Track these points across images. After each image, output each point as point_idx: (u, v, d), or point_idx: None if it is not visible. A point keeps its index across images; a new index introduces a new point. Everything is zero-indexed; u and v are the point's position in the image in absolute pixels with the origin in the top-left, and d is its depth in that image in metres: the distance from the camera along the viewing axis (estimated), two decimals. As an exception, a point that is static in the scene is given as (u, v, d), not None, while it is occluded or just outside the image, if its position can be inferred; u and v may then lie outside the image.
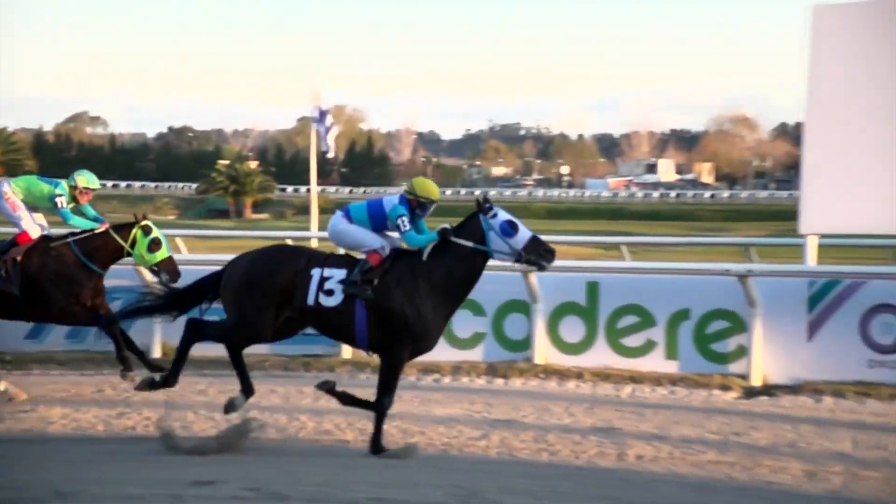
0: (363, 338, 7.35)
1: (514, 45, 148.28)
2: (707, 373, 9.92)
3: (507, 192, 77.70)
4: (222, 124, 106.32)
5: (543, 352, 10.50)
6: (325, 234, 9.21)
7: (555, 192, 79.13)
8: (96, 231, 9.09)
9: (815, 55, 10.55)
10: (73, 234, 9.15)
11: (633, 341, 10.35)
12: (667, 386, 9.75)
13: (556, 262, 9.90)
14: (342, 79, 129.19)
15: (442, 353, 10.57)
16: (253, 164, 73.96)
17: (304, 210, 24.85)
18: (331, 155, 19.96)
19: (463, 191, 78.66)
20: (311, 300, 7.25)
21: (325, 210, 18.12)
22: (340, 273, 7.30)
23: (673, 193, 72.89)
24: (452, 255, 7.28)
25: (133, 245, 8.96)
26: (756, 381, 9.74)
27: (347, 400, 7.40)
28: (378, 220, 7.48)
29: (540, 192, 78.62)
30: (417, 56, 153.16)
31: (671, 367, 10.16)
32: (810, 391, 9.40)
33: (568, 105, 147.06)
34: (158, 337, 10.61)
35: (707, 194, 73.45)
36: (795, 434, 7.89)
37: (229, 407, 7.50)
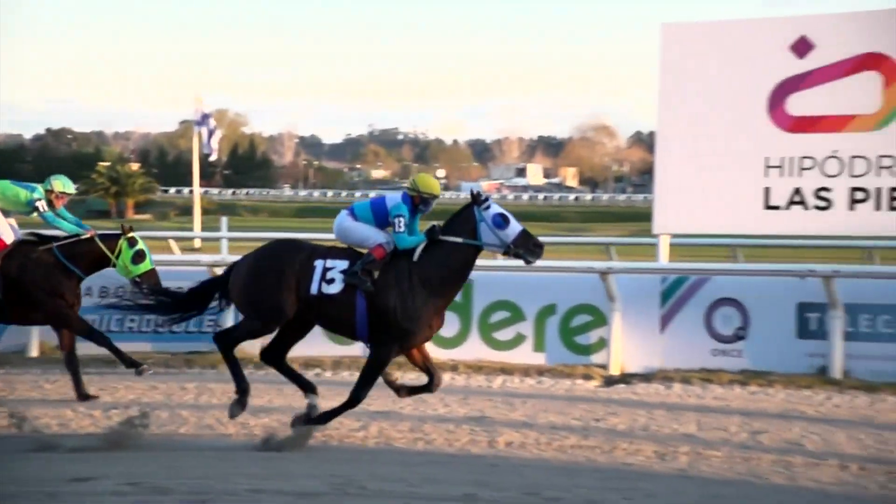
0: (363, 330, 7.23)
1: (392, 52, 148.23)
2: (571, 363, 10.12)
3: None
4: (103, 126, 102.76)
5: (420, 346, 10.54)
6: (208, 234, 9.05)
7: (431, 195, 79.33)
8: (82, 237, 8.84)
9: (665, 69, 10.82)
10: (56, 238, 8.87)
11: (504, 335, 10.50)
12: (535, 376, 9.91)
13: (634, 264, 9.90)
14: (225, 83, 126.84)
15: (323, 347, 10.55)
16: (135, 166, 71.81)
17: (186, 211, 24.28)
18: (213, 158, 19.61)
19: (344, 193, 78.27)
20: (314, 289, 7.14)
21: (208, 211, 17.84)
22: (343, 264, 7.20)
23: (541, 196, 74.00)
24: (444, 251, 7.22)
25: (118, 256, 8.75)
26: (615, 371, 9.98)
27: (326, 418, 7.34)
28: (381, 216, 7.39)
29: (416, 195, 78.69)
30: (299, 62, 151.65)
31: (539, 359, 10.33)
32: (662, 379, 9.69)
33: (443, 111, 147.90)
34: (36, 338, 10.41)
35: (572, 197, 74.81)
36: (649, 418, 8.10)
37: (301, 420, 7.37)
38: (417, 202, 7.36)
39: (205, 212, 19.73)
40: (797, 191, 10.32)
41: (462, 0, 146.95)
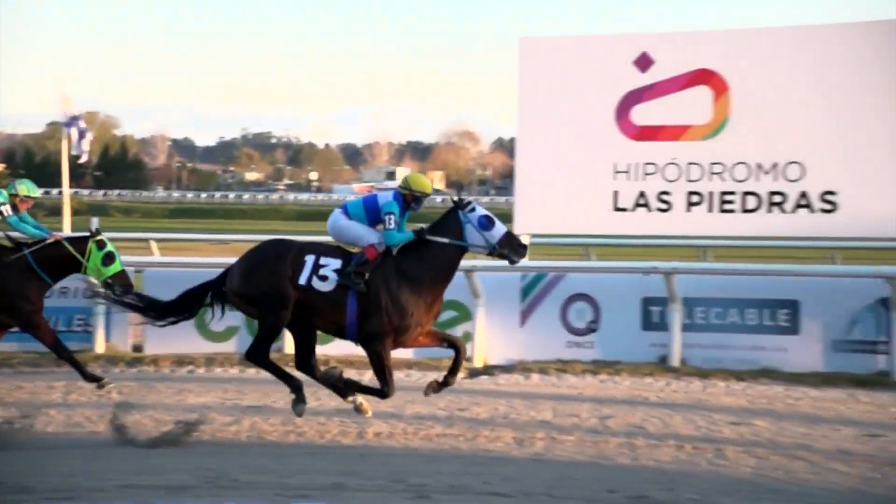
0: (353, 329, 7.19)
1: (265, 58, 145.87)
2: (438, 357, 10.21)
3: (261, 196, 76.44)
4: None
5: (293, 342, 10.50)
6: (77, 234, 8.77)
7: (305, 196, 78.59)
8: (48, 241, 8.38)
9: (523, 79, 11.03)
10: (26, 244, 8.39)
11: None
12: (403, 370, 9.94)
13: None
14: (95, 85, 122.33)
15: (195, 345, 10.39)
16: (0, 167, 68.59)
17: (55, 211, 23.36)
18: (84, 159, 18.92)
19: (217, 194, 76.73)
20: (303, 280, 7.08)
21: (79, 212, 17.21)
22: (336, 262, 7.14)
23: (410, 198, 74.24)
24: (432, 251, 7.20)
25: (88, 258, 8.33)
26: (478, 363, 10.16)
27: (354, 387, 7.35)
28: (374, 214, 7.33)
29: (291, 196, 77.84)
30: (172, 65, 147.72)
31: (408, 353, 10.38)
32: (521, 370, 9.91)
33: (315, 116, 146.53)
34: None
35: (438, 199, 75.21)
36: (508, 407, 8.27)
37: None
38: (409, 200, 7.35)
39: (75, 212, 19.05)
40: (642, 194, 10.65)
41: (332, 8, 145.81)
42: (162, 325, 7.80)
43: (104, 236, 8.52)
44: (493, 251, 7.20)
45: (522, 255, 7.31)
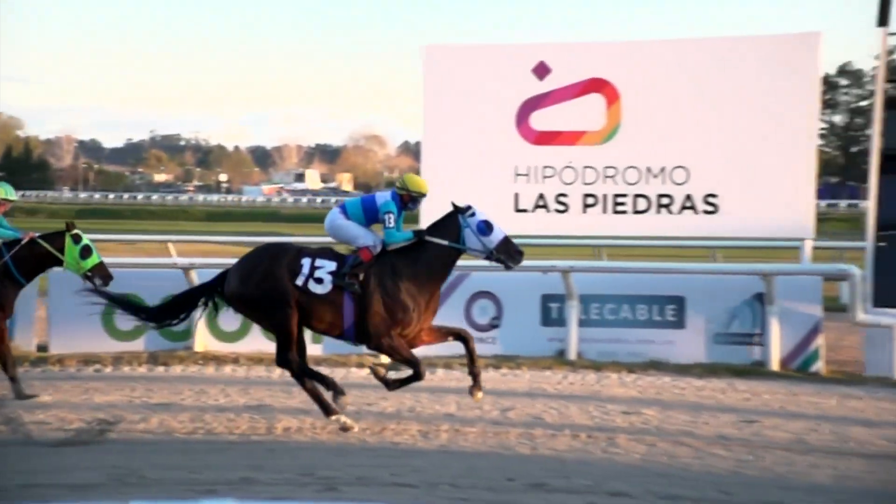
0: (350, 329, 7.14)
1: (174, 61, 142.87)
2: (346, 353, 10.22)
3: (170, 197, 74.76)
4: None
5: (203, 340, 10.37)
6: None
7: (214, 198, 77.23)
8: (23, 241, 8.18)
9: (428, 86, 11.12)
10: (5, 244, 8.17)
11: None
12: (312, 366, 9.94)
13: (216, 260, 9.83)
14: None
15: (103, 344, 10.16)
16: None
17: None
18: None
19: (126, 195, 74.78)
20: (300, 283, 7.01)
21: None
22: (331, 265, 7.06)
23: (319, 199, 73.71)
24: (429, 252, 7.14)
25: (65, 253, 8.24)
26: (385, 359, 10.18)
27: (395, 385, 7.31)
28: (371, 213, 7.27)
29: (200, 198, 76.36)
30: (79, 67, 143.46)
31: (317, 350, 10.37)
32: (427, 365, 9.75)
33: (225, 119, 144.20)
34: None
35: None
36: (415, 401, 8.31)
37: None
38: (406, 200, 7.30)
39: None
40: (541, 196, 10.84)
41: (240, 12, 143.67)
42: (157, 328, 7.81)
43: (79, 230, 8.39)
44: (490, 256, 7.20)
45: (518, 262, 7.30)
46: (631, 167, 10.55)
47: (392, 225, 7.18)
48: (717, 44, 10.61)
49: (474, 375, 7.29)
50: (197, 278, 9.96)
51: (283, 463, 6.38)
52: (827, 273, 10.68)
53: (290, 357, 7.25)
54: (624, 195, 10.55)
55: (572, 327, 10.13)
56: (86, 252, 8.31)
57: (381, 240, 7.27)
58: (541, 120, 10.79)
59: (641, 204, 10.52)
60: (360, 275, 7.05)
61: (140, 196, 75.17)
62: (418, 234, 7.25)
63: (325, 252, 7.32)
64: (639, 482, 5.94)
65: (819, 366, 9.59)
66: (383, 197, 7.34)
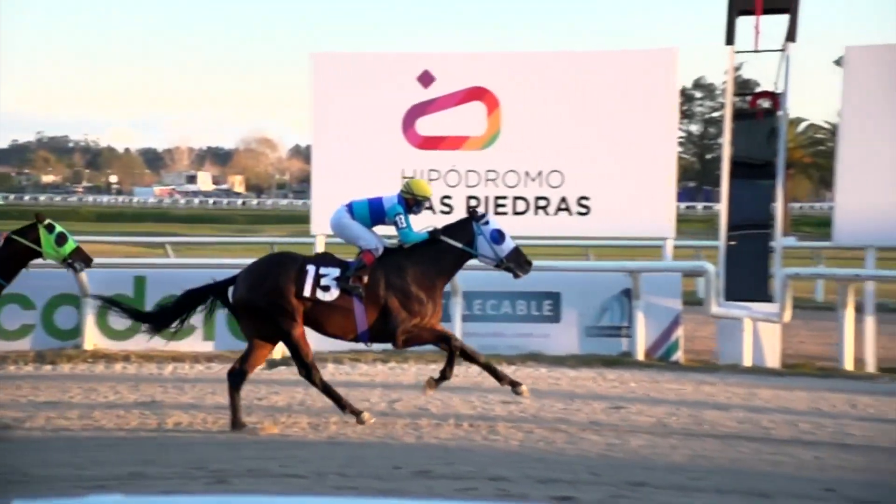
0: (364, 331, 7.00)
1: (63, 62, 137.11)
2: (238, 350, 10.04)
3: (58, 198, 71.74)
4: None
5: (93, 339, 10.02)
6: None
7: (104, 199, 74.53)
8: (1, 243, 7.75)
9: (316, 92, 10.98)
10: None
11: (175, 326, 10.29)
12: (204, 363, 9.75)
13: (104, 260, 9.47)
14: None
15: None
16: None
17: None
18: None
19: (12, 196, 71.35)
20: (307, 292, 6.87)
21: None
22: (335, 271, 6.94)
23: (210, 201, 72.08)
24: (439, 251, 7.01)
25: (41, 244, 7.95)
26: (277, 355, 10.05)
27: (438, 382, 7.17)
28: (377, 215, 7.16)
29: (90, 199, 73.53)
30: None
31: (208, 347, 10.19)
32: (318, 360, 9.85)
33: (115, 121, 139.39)
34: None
35: (239, 202, 73.59)
36: (305, 395, 8.21)
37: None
38: (411, 204, 7.19)
39: None
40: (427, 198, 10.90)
41: (130, 15, 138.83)
42: (159, 333, 7.49)
43: (50, 220, 8.12)
44: (500, 264, 7.17)
45: (527, 272, 7.25)
46: (510, 171, 10.72)
47: (405, 225, 7.14)
48: (587, 57, 10.90)
49: (444, 377, 7.22)
50: (87, 279, 9.63)
51: (173, 457, 6.24)
52: (685, 270, 11.11)
53: (309, 367, 7.13)
54: (504, 197, 10.71)
55: (457, 322, 10.19)
56: (61, 239, 8.10)
57: (383, 243, 7.21)
58: (426, 126, 10.83)
59: (520, 206, 10.70)
60: (364, 277, 6.96)
61: (27, 196, 71.95)
62: (433, 233, 7.19)
63: (328, 259, 7.24)
64: (517, 467, 6.05)
65: (679, 355, 9.95)
66: (390, 201, 7.25)
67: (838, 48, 10.79)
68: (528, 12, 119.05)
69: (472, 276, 10.42)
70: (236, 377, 7.12)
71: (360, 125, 10.88)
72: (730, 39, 10.38)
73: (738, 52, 10.58)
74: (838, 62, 11.04)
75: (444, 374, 7.13)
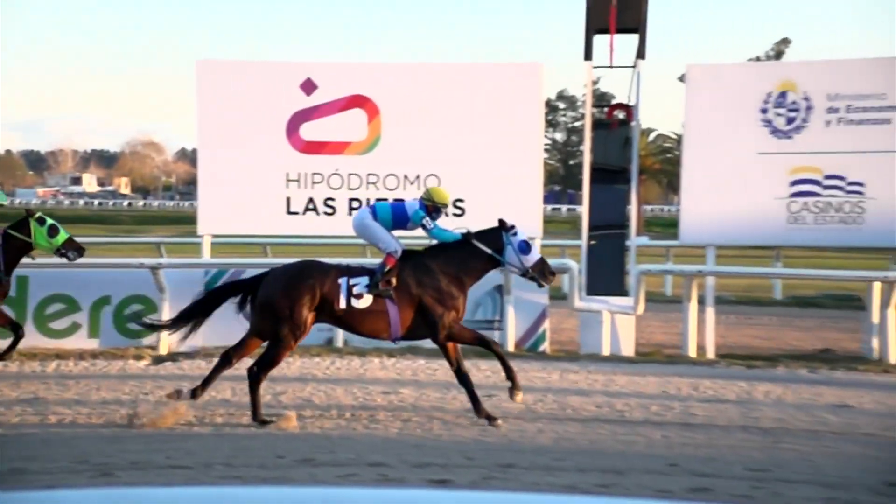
0: (396, 329, 6.95)
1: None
2: (124, 347, 9.74)
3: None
4: None
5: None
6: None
7: (-16, 199, 70.26)
8: None
9: (201, 97, 10.73)
10: None
11: (59, 324, 9.91)
12: (89, 360, 9.36)
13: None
14: None
15: None
16: None
17: None
18: None
19: None
20: (343, 304, 6.82)
21: None
22: (364, 279, 6.88)
23: (96, 202, 69.11)
24: (466, 254, 6.98)
25: (34, 237, 8.13)
26: (163, 351, 9.77)
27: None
28: (400, 220, 7.13)
29: (-31, 199, 69.19)
30: None
31: (93, 344, 9.83)
32: (204, 355, 9.62)
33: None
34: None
35: (125, 203, 70.92)
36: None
37: None
38: (431, 210, 7.06)
39: None
40: (311, 200, 10.80)
41: (12, 17, 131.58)
42: (181, 328, 7.35)
43: (41, 213, 8.10)
44: (526, 273, 7.09)
45: (550, 282, 7.30)
46: (390, 175, 10.74)
47: (433, 226, 7.11)
48: (461, 69, 11.02)
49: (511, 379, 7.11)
50: (162, 277, 9.47)
51: (57, 452, 5.97)
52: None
53: (273, 367, 7.05)
54: (385, 200, 10.69)
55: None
56: (53, 231, 8.11)
57: (402, 247, 7.13)
58: (309, 131, 10.73)
59: (399, 208, 10.71)
60: (392, 280, 6.89)
61: None
62: (466, 236, 7.12)
63: (356, 269, 7.12)
64: (395, 453, 6.06)
65: (545, 346, 10.18)
66: (412, 206, 7.23)
67: (683, 66, 11.28)
68: (408, 24, 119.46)
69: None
70: (224, 360, 7.14)
71: (246, 130, 10.69)
72: (588, 56, 10.70)
73: (595, 67, 10.93)
74: (682, 78, 11.56)
75: (509, 376, 7.05)
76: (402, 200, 7.55)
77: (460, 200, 10.60)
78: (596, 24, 10.57)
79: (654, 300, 12.53)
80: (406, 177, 10.72)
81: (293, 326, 6.89)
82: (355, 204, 10.70)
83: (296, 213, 10.76)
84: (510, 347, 10.01)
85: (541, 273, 7.13)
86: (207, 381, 7.03)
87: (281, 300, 6.91)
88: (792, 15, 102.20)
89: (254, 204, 10.82)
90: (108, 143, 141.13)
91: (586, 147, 11.03)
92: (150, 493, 4.22)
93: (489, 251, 7.05)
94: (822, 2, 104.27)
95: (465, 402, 7.64)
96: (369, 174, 10.73)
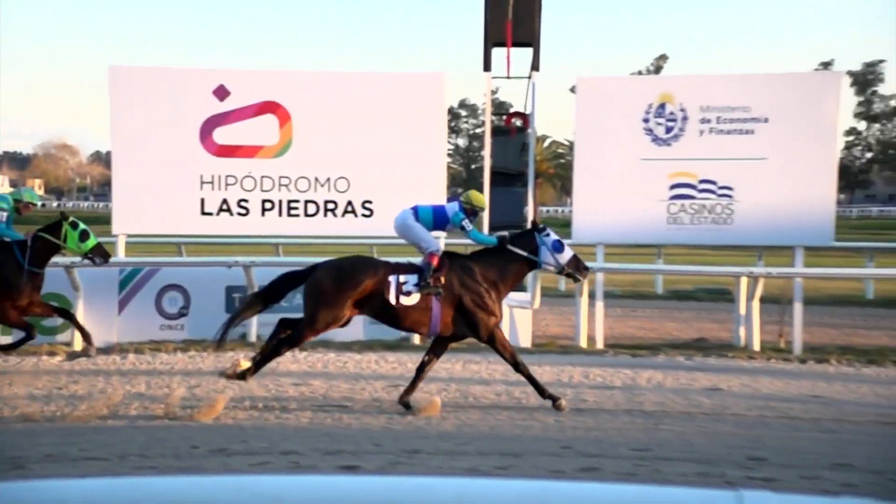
0: (436, 326, 6.94)
1: None
2: (38, 343, 9.32)
3: None
4: None
5: None
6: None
7: None
8: (28, 237, 8.12)
9: (114, 102, 10.40)
10: (16, 242, 8.13)
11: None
12: (1, 356, 8.93)
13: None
14: None
15: None
16: None
17: None
18: None
19: None
20: (393, 300, 6.80)
21: None
22: (413, 278, 6.86)
23: (6, 203, 65.73)
24: (505, 258, 6.98)
25: (65, 240, 8.12)
26: (77, 347, 9.40)
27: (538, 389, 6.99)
28: (441, 221, 7.13)
29: None
30: None
31: (6, 341, 9.36)
32: (119, 351, 9.38)
33: None
34: None
35: (39, 204, 67.73)
36: (106, 383, 7.83)
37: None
38: (469, 213, 6.98)
39: None
40: (224, 201, 10.57)
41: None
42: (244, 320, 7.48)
43: (74, 217, 8.02)
44: (561, 271, 7.09)
45: (585, 277, 7.32)
46: (302, 177, 10.61)
47: (472, 228, 7.14)
48: (368, 77, 10.97)
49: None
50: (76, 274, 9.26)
51: (-31, 450, 5.67)
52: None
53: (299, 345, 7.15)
54: (297, 201, 10.59)
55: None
56: (84, 236, 8.13)
57: (440, 247, 7.15)
58: (223, 135, 10.50)
59: (311, 208, 10.62)
60: (442, 278, 6.83)
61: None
62: (502, 240, 7.08)
63: (406, 267, 7.07)
64: (307, 442, 6.01)
65: (450, 338, 10.26)
66: (452, 209, 7.20)
67: (574, 78, 11.54)
68: (321, 34, 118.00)
69: (267, 272, 10.18)
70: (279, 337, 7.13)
71: (159, 134, 10.42)
72: (487, 67, 10.83)
73: (494, 77, 11.08)
74: (573, 89, 11.82)
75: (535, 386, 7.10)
76: (442, 204, 7.48)
77: (368, 202, 10.59)
78: (493, 37, 10.71)
79: (548, 295, 12.80)
80: (317, 179, 10.62)
81: (329, 314, 6.86)
82: (268, 205, 10.55)
83: (210, 214, 10.53)
84: (416, 340, 10.05)
85: (576, 269, 7.13)
86: (266, 357, 7.04)
87: (328, 287, 6.85)
88: (669, 33, 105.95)
89: (168, 205, 10.54)
90: (22, 145, 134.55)
91: (486, 152, 11.16)
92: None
93: (524, 254, 7.06)
94: (697, 21, 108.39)
95: (372, 393, 7.65)
96: (281, 177, 10.57)
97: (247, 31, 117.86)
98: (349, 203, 10.61)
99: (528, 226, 7.60)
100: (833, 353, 9.67)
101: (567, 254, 7.09)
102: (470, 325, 6.99)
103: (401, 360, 9.15)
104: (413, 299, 6.90)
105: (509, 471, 5.38)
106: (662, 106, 10.55)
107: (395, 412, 6.95)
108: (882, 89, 78.24)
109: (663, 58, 73.81)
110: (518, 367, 7.06)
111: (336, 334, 10.01)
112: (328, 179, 10.61)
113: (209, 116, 10.46)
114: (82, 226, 8.27)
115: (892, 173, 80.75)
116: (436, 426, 6.54)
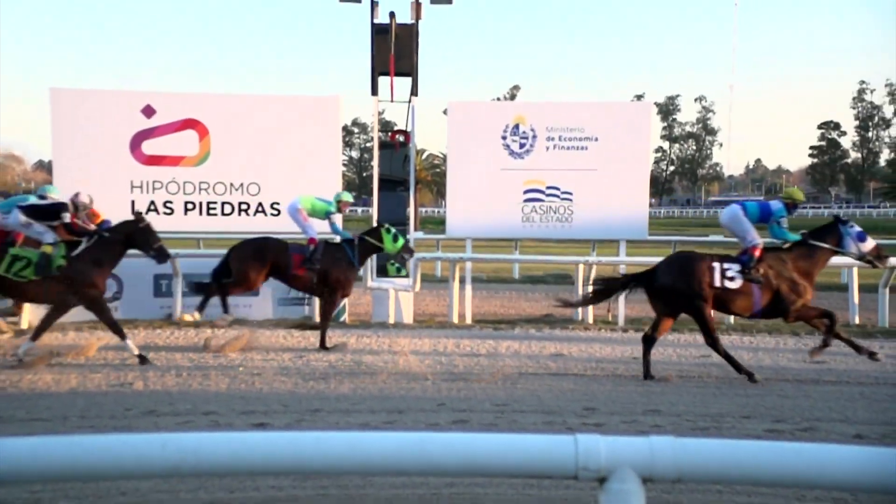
0: (758, 309, 6.73)
1: None
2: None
3: None
4: None
5: None
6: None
7: None
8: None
9: (56, 120, 9.94)
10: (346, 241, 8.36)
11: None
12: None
13: None
14: None
15: None
16: None
17: None
18: None
19: None
20: (717, 283, 6.68)
21: None
22: (735, 266, 6.72)
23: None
24: (811, 250, 6.77)
25: (383, 241, 8.31)
26: (24, 325, 8.83)
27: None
28: (765, 216, 6.90)
29: None
30: None
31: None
32: (74, 329, 8.87)
33: None
34: None
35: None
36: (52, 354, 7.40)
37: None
38: (790, 207, 6.98)
39: None
40: (152, 203, 10.25)
41: None
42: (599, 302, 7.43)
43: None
44: (863, 258, 6.83)
45: (884, 264, 7.01)
46: (219, 182, 10.38)
47: (785, 226, 6.98)
48: (275, 99, 10.76)
49: (826, 345, 6.79)
50: None
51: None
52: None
53: (715, 337, 6.83)
54: (215, 202, 10.34)
55: (177, 297, 9.78)
56: (395, 238, 8.46)
57: (759, 240, 6.85)
58: (150, 147, 10.18)
59: (227, 209, 10.40)
60: (761, 269, 6.61)
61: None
62: (804, 236, 6.86)
63: (727, 257, 6.91)
64: (225, 404, 5.95)
65: (345, 317, 10.28)
66: (777, 205, 6.99)
67: (446, 102, 11.74)
68: (235, 61, 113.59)
69: (190, 263, 10.01)
70: (648, 341, 7.04)
71: (95, 146, 10.05)
72: (374, 92, 10.88)
73: (380, 101, 11.12)
74: (445, 111, 12.01)
75: (826, 343, 6.78)
76: (768, 202, 7.12)
77: (277, 203, 10.48)
78: (379, 67, 10.77)
79: (427, 280, 12.99)
80: (232, 184, 10.43)
81: (702, 298, 6.75)
82: (190, 206, 10.30)
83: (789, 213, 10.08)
84: (316, 318, 9.99)
85: (877, 257, 6.88)
86: (646, 362, 6.96)
87: (686, 281, 6.78)
88: (521, 68, 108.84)
89: (103, 207, 10.04)
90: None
91: (375, 163, 11.22)
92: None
93: (828, 246, 6.83)
94: (544, 57, 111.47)
95: (281, 363, 7.56)
96: (201, 182, 10.34)
97: (172, 58, 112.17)
98: (260, 204, 10.47)
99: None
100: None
101: (869, 244, 6.85)
102: (781, 309, 6.76)
103: (304, 336, 9.08)
104: (735, 284, 6.76)
105: (394, 425, 5.44)
106: (517, 126, 10.91)
107: (299, 378, 6.93)
108: (679, 117, 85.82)
109: (517, 87, 76.87)
110: (839, 338, 6.74)
111: (251, 314, 9.90)
112: (242, 184, 10.42)
113: (138, 131, 10.14)
114: (393, 230, 8.54)
115: (689, 183, 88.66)
116: (334, 390, 6.55)
